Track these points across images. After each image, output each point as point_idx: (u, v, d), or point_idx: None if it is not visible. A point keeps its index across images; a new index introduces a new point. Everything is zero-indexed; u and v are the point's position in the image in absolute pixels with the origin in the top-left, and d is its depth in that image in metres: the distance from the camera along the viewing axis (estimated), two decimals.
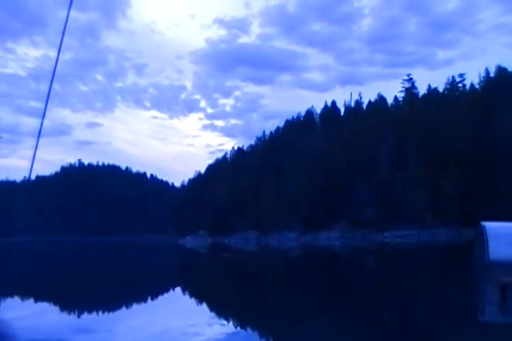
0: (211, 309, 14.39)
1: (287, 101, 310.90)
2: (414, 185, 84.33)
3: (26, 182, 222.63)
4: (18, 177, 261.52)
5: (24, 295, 17.84)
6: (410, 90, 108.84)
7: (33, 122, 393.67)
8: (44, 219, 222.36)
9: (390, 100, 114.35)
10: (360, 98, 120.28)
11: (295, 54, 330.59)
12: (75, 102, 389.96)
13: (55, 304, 15.42)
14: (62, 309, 14.52)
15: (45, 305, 15.07)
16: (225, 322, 11.90)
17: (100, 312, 14.28)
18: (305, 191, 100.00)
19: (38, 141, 3.02)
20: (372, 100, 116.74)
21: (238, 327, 11.23)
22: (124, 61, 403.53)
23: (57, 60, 3.06)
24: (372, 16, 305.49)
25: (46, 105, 3.17)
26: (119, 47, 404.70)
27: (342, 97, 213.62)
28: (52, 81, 3.22)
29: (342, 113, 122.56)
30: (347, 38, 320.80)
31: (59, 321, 12.22)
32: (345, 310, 13.52)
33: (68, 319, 12.79)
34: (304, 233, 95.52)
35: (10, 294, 18.28)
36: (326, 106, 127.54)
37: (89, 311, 14.40)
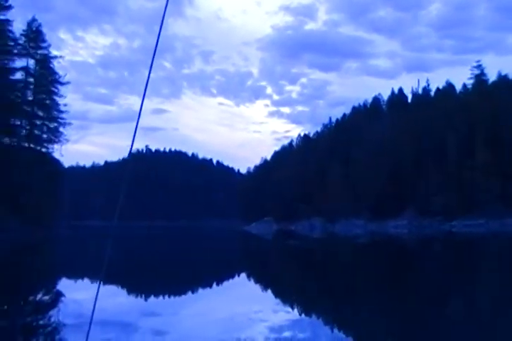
0: (276, 295, 14.32)
1: (354, 87, 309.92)
2: (483, 173, 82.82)
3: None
4: (87, 163, 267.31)
5: (94, 277, 18.12)
6: (480, 77, 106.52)
7: (101, 109, 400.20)
8: (112, 204, 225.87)
9: (458, 87, 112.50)
10: (428, 85, 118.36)
11: (362, 40, 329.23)
12: (143, 89, 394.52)
13: (123, 287, 15.59)
14: (129, 292, 14.67)
15: (112, 288, 15.23)
16: (289, 309, 11.81)
17: (166, 296, 14.37)
18: (372, 178, 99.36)
19: (137, 123, 2.93)
20: (441, 87, 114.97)
21: (303, 315, 11.14)
22: (191, 48, 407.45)
23: (155, 51, 2.97)
24: (440, 1, 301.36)
25: (144, 93, 3.09)
26: (186, 35, 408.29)
27: (409, 84, 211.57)
28: (150, 71, 3.12)
29: (409, 100, 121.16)
30: (414, 23, 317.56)
31: (126, 304, 12.34)
32: (418, 301, 13.23)
33: (135, 302, 12.92)
34: (371, 220, 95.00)
35: (81, 276, 18.66)
36: (393, 93, 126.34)
37: (155, 295, 14.52)
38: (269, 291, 15.46)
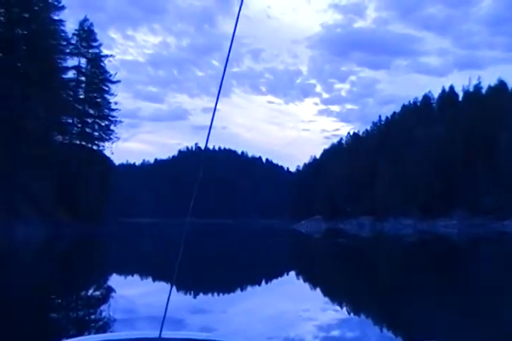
0: (325, 294, 14.28)
1: (403, 86, 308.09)
2: None
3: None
4: (137, 160, 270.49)
5: (143, 273, 18.34)
6: None
7: (151, 107, 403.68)
8: (162, 201, 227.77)
9: (510, 85, 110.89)
10: (480, 83, 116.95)
11: (411, 38, 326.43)
12: (192, 87, 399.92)
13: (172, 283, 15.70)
14: (178, 289, 14.78)
15: (162, 284, 15.36)
16: (338, 308, 11.78)
17: (215, 294, 14.43)
18: (422, 177, 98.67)
19: (211, 123, 3.00)
20: (492, 85, 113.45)
21: (352, 314, 11.09)
22: (240, 46, 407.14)
23: (229, 53, 3.02)
24: None
25: (219, 93, 3.14)
26: (235, 33, 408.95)
27: (460, 82, 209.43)
28: (224, 71, 3.19)
29: (460, 98, 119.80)
30: (465, 20, 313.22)
31: (175, 300, 12.41)
32: (472, 303, 13.02)
33: (184, 298, 12.99)
34: (420, 219, 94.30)
35: (130, 272, 18.88)
36: (443, 90, 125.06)
37: (204, 292, 14.58)
38: (318, 290, 15.42)
